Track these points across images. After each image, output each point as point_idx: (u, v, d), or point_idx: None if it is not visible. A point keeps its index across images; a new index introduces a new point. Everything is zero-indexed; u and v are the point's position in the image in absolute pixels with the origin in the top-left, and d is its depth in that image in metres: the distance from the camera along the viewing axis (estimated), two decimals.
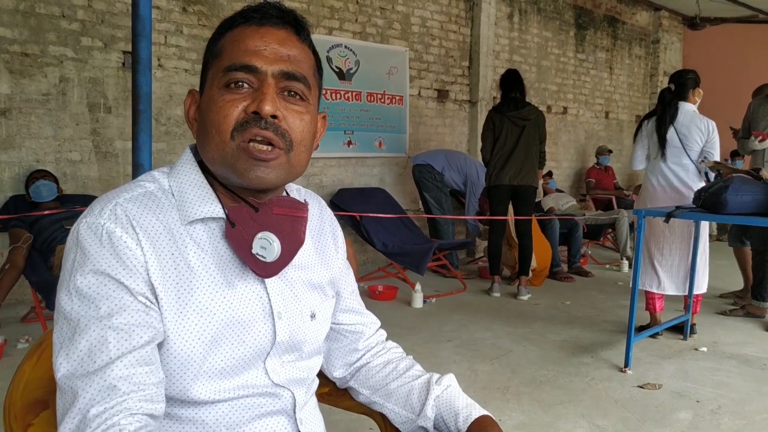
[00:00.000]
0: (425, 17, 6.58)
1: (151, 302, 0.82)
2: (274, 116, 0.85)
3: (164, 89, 4.69)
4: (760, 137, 4.45)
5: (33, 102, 4.14)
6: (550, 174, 7.28)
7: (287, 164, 0.88)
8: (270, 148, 0.85)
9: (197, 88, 0.95)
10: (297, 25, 0.91)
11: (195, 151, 0.95)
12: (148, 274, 0.82)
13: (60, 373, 0.76)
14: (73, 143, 4.33)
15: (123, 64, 4.47)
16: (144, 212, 0.85)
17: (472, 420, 0.99)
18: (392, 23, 6.26)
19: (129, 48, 3.33)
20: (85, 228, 0.83)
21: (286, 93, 0.88)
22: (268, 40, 0.87)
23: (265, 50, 0.86)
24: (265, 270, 0.88)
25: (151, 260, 0.83)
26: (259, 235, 0.88)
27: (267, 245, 0.87)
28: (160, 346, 0.83)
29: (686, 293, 3.87)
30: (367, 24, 6.04)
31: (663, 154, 3.85)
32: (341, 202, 5.37)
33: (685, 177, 3.82)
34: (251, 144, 0.84)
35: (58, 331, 0.80)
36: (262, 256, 0.87)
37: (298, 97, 0.89)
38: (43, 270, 3.65)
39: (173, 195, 0.89)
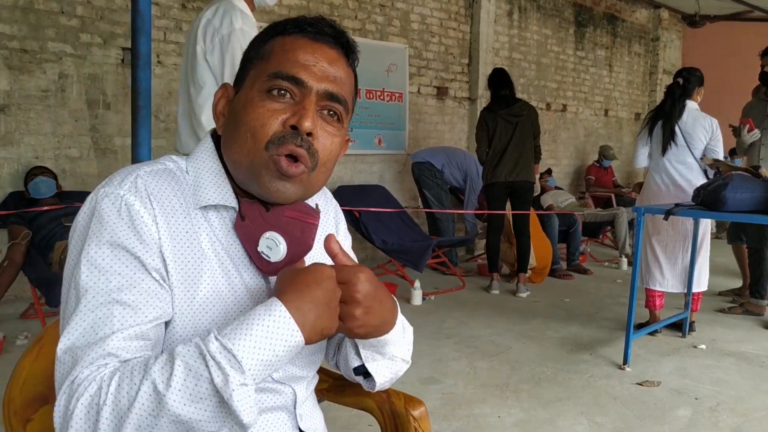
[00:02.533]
0: (425, 14, 6.57)
1: (163, 279, 0.82)
2: (309, 134, 0.85)
3: (163, 86, 4.68)
4: (747, 126, 4.44)
5: (32, 98, 4.13)
6: (549, 171, 7.28)
7: (307, 182, 0.88)
8: (298, 169, 0.86)
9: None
10: (347, 48, 0.93)
11: (213, 138, 0.95)
12: (161, 251, 0.82)
13: (62, 345, 0.76)
14: (72, 140, 4.33)
15: (122, 60, 4.47)
16: (163, 188, 0.85)
17: None
18: (392, 20, 6.25)
19: (128, 44, 3.32)
20: (104, 197, 0.82)
21: (324, 112, 0.88)
22: (318, 57, 0.88)
23: (314, 66, 0.87)
24: (268, 268, 0.89)
25: (164, 237, 0.83)
26: (267, 234, 0.88)
27: (273, 246, 0.88)
28: (167, 325, 0.83)
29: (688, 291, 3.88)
30: (367, 21, 6.03)
31: (666, 152, 3.83)
32: (340, 199, 5.29)
33: (690, 175, 3.81)
34: (283, 162, 0.84)
35: (66, 301, 0.80)
36: (267, 256, 0.88)
37: (335, 118, 0.89)
38: (42, 266, 3.65)
39: (191, 178, 0.90)
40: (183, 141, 2.51)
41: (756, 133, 4.46)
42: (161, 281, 0.82)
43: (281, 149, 0.84)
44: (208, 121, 2.32)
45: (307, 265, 0.82)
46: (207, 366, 0.69)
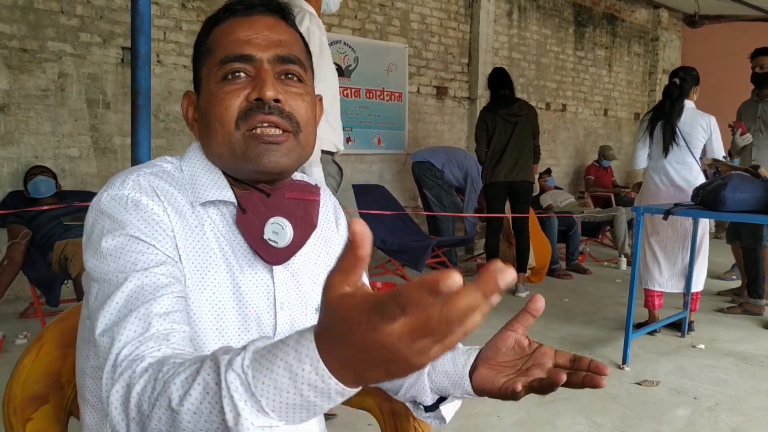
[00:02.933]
0: (424, 14, 6.57)
1: (177, 261, 0.82)
2: (276, 100, 0.85)
3: (163, 85, 4.68)
4: (740, 130, 4.45)
5: (31, 98, 4.13)
6: (548, 171, 7.28)
7: (298, 146, 0.88)
8: (279, 132, 0.86)
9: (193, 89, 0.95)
10: (282, 12, 0.92)
11: None
12: (175, 239, 0.82)
13: (98, 330, 0.73)
14: (71, 139, 4.33)
15: (122, 59, 4.47)
16: (165, 185, 0.86)
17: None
18: (391, 20, 6.25)
19: (128, 44, 3.32)
20: (109, 200, 0.82)
21: (283, 76, 0.88)
22: (258, 28, 0.88)
23: (256, 38, 0.87)
24: (276, 256, 0.88)
25: (177, 227, 0.83)
26: (271, 220, 0.87)
27: (279, 230, 0.87)
28: None
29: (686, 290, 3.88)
30: (367, 21, 6.03)
31: (666, 152, 3.82)
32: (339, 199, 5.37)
33: (689, 176, 3.80)
34: (259, 130, 0.85)
35: (96, 295, 0.78)
36: (274, 242, 0.87)
37: (295, 78, 0.90)
38: (41, 266, 3.65)
39: (186, 177, 0.90)
40: None
41: (748, 137, 4.47)
42: (178, 265, 0.82)
43: (251, 122, 0.84)
44: None
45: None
46: (221, 396, 0.57)
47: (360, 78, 5.96)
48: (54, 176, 3.98)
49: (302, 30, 2.44)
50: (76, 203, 3.83)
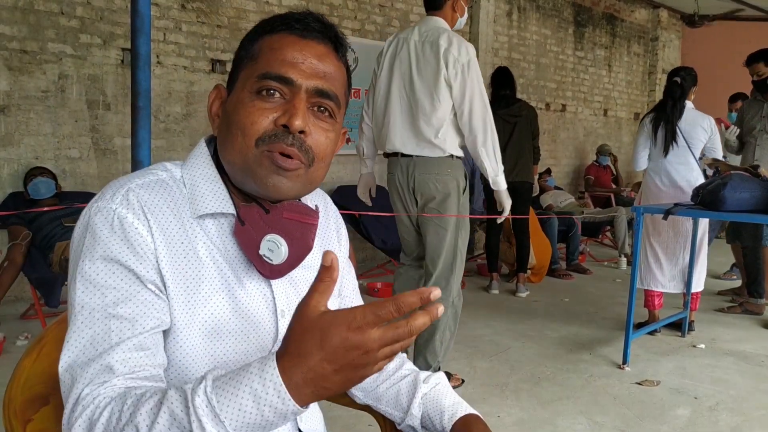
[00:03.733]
0: (424, 15, 6.56)
1: (159, 290, 0.82)
2: (301, 131, 0.85)
3: (163, 86, 4.68)
4: (723, 124, 4.46)
5: (32, 99, 4.13)
6: (548, 171, 7.28)
7: (305, 178, 0.88)
8: (291, 159, 0.85)
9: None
10: (336, 42, 0.91)
11: (208, 143, 0.94)
12: (157, 261, 0.82)
13: (63, 363, 0.76)
14: (72, 140, 4.33)
15: (122, 61, 4.47)
16: (156, 199, 0.85)
17: (457, 418, 0.99)
18: (391, 20, 6.25)
19: (128, 45, 3.33)
20: (96, 212, 0.82)
21: (315, 108, 0.87)
22: (306, 54, 0.87)
23: (302, 64, 0.86)
24: (270, 271, 0.88)
25: (161, 248, 0.82)
26: (268, 236, 0.87)
27: (274, 248, 0.87)
28: (166, 335, 0.83)
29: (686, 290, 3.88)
30: (366, 21, 6.03)
31: (667, 152, 3.82)
32: (340, 199, 5.36)
33: (690, 176, 3.79)
34: (277, 153, 0.84)
35: (70, 320, 0.80)
36: (269, 258, 0.87)
37: (327, 113, 0.89)
38: (42, 267, 3.65)
39: (185, 186, 0.89)
40: (394, 143, 2.89)
41: (733, 128, 4.48)
42: (157, 292, 0.81)
43: (272, 147, 0.84)
44: (443, 134, 2.79)
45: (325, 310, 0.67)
46: (189, 420, 0.65)
47: (360, 79, 5.92)
48: (54, 177, 3.98)
49: (472, 64, 2.72)
50: (76, 204, 3.83)
